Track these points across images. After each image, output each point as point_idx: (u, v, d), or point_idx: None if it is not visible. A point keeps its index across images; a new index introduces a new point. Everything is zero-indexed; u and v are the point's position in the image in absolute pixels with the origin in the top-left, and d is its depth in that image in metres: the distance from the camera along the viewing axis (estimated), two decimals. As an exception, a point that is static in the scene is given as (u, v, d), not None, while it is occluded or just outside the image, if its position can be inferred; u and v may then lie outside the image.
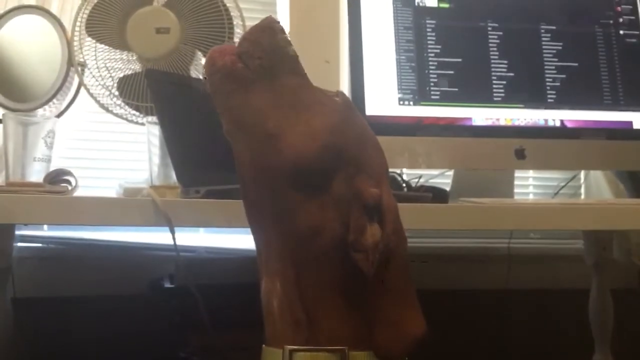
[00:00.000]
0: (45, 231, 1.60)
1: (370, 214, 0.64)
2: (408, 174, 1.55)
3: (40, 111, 1.31)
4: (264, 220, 0.67)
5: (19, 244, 1.43)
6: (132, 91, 1.30)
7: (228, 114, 0.68)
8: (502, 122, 1.32)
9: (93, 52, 1.32)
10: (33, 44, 1.34)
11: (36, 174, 1.11)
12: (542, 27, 1.36)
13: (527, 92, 1.34)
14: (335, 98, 0.69)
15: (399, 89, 1.28)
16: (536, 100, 1.34)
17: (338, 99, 0.69)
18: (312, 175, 0.64)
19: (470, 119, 1.30)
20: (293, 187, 0.64)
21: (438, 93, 1.29)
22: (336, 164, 0.65)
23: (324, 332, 0.65)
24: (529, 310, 1.83)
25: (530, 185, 1.96)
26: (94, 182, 1.62)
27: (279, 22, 0.69)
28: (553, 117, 1.34)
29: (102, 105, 1.33)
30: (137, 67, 1.32)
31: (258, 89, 0.66)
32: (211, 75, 0.68)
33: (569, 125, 1.35)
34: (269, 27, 0.68)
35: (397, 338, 0.65)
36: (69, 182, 1.10)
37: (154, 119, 1.15)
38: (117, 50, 1.31)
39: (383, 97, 1.27)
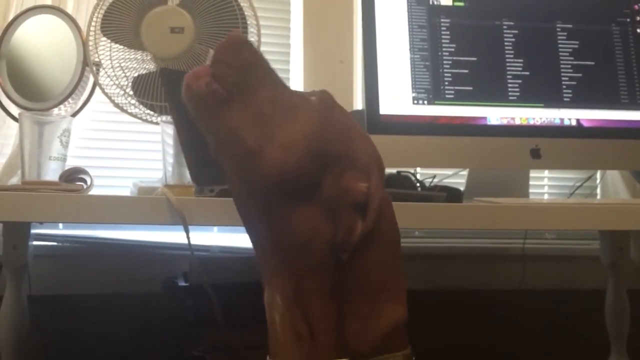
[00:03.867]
0: (61, 230, 1.61)
1: (362, 211, 0.62)
2: (422, 174, 1.55)
3: (55, 110, 1.32)
4: (260, 235, 0.67)
5: (35, 243, 1.44)
6: (147, 90, 1.31)
7: (211, 136, 0.68)
8: (518, 122, 1.31)
9: (108, 52, 1.33)
10: (49, 44, 1.35)
11: (52, 173, 1.11)
12: (558, 25, 1.35)
13: (543, 91, 1.32)
14: (311, 98, 0.67)
15: (413, 88, 1.27)
16: (552, 99, 1.32)
17: (314, 98, 0.67)
18: (298, 184, 0.63)
19: (485, 118, 1.30)
20: (282, 199, 0.63)
21: (453, 92, 1.28)
22: (320, 167, 0.64)
23: (327, 344, 0.63)
24: (543, 311, 1.82)
25: (545, 185, 1.94)
26: (108, 181, 1.63)
27: (242, 36, 0.69)
28: (569, 116, 1.33)
29: (116, 105, 1.34)
30: (151, 66, 1.32)
31: (235, 108, 0.65)
32: (189, 100, 0.68)
33: (585, 124, 1.33)
34: (233, 45, 0.68)
35: (365, 331, 0.62)
36: (84, 180, 1.11)
37: (169, 118, 1.15)
38: (132, 50, 1.32)
39: (397, 97, 1.26)
